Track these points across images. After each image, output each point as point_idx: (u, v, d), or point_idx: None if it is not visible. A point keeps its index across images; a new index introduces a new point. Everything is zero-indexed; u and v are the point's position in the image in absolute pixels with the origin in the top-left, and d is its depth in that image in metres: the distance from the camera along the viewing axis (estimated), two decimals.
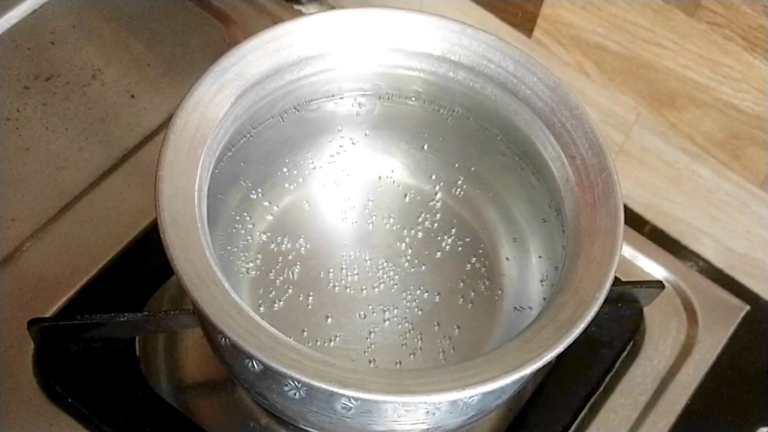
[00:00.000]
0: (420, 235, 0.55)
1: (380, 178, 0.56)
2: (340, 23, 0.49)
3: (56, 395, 0.51)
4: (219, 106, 0.45)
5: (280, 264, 0.53)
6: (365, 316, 0.52)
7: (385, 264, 0.54)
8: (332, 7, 0.66)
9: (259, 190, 0.54)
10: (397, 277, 0.54)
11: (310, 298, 0.52)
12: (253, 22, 0.67)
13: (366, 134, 0.55)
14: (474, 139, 0.53)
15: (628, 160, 0.62)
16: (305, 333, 0.51)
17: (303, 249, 0.54)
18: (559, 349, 0.40)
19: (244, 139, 0.50)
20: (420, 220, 0.55)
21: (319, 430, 0.47)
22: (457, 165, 0.55)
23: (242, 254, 0.53)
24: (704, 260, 0.63)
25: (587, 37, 0.58)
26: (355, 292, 0.53)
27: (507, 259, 0.54)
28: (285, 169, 0.54)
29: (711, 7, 0.51)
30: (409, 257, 0.54)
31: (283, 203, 0.55)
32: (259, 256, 0.53)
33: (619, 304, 0.57)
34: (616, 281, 0.52)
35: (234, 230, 0.53)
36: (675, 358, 0.57)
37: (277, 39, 0.48)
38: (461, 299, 0.53)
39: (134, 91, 0.64)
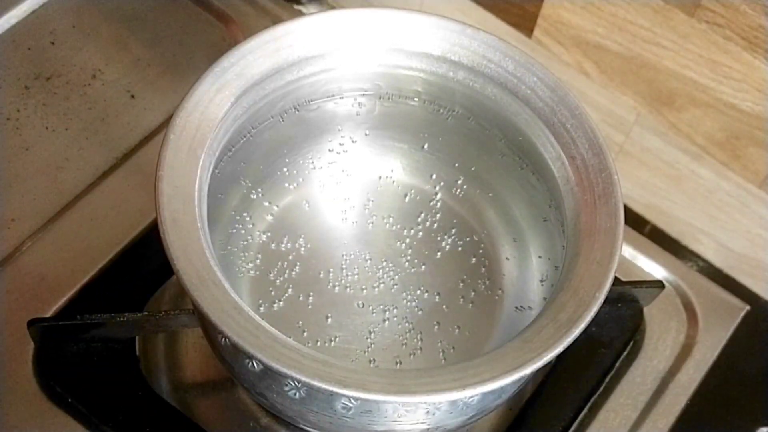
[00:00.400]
0: (420, 235, 0.55)
1: (380, 178, 0.56)
2: (340, 23, 0.49)
3: (56, 395, 0.51)
4: (219, 106, 0.45)
5: (280, 264, 0.53)
6: (365, 316, 0.52)
7: (385, 264, 0.54)
8: (332, 7, 0.66)
9: (259, 190, 0.54)
10: (397, 277, 0.54)
11: (310, 298, 0.52)
12: (253, 22, 0.67)
13: (366, 134, 0.55)
14: (474, 139, 0.53)
15: (628, 160, 0.62)
16: (305, 333, 0.51)
17: (303, 249, 0.54)
18: (559, 349, 0.40)
19: (244, 139, 0.50)
20: (420, 220, 0.55)
21: (319, 430, 0.47)
22: (457, 165, 0.55)
23: (242, 254, 0.53)
24: (704, 260, 0.63)
25: (587, 37, 0.58)
26: (355, 292, 0.53)
27: (507, 259, 0.54)
28: (285, 169, 0.54)
29: (711, 7, 0.51)
30: (409, 257, 0.54)
31: (283, 203, 0.55)
32: (259, 256, 0.53)
33: (619, 304, 0.57)
34: (616, 281, 0.52)
35: (234, 230, 0.53)
36: (675, 358, 0.57)
37: (277, 39, 0.48)
38: (461, 299, 0.53)
39: (134, 91, 0.64)
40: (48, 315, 0.54)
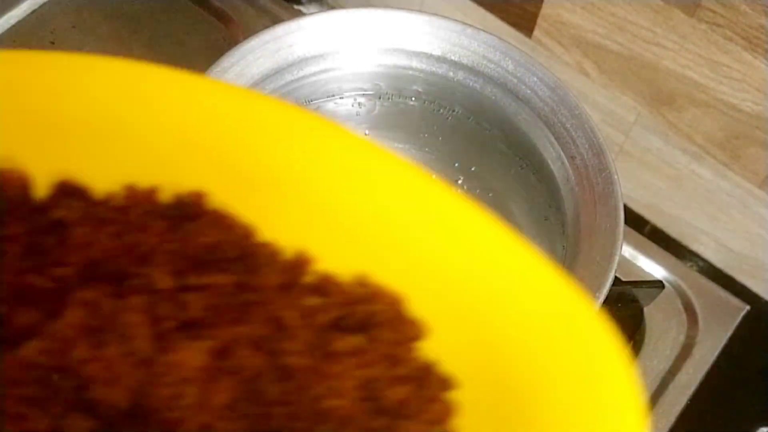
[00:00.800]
0: None
1: None
2: (340, 23, 0.49)
3: None
4: None
5: None
6: None
7: None
8: (332, 7, 0.66)
9: None
10: None
11: None
12: (253, 22, 0.67)
13: (366, 134, 0.55)
14: (474, 139, 0.53)
15: (628, 160, 0.62)
16: None
17: None
18: None
19: None
20: None
21: None
22: (457, 165, 0.55)
23: None
24: (704, 260, 0.63)
25: (587, 37, 0.58)
26: None
27: None
28: None
29: (711, 7, 0.51)
30: None
31: None
32: None
33: (619, 304, 0.57)
34: (616, 281, 0.52)
35: None
36: (675, 358, 0.57)
37: (277, 39, 0.48)
38: None
39: None
40: None
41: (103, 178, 0.28)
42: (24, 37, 0.65)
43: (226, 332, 0.26)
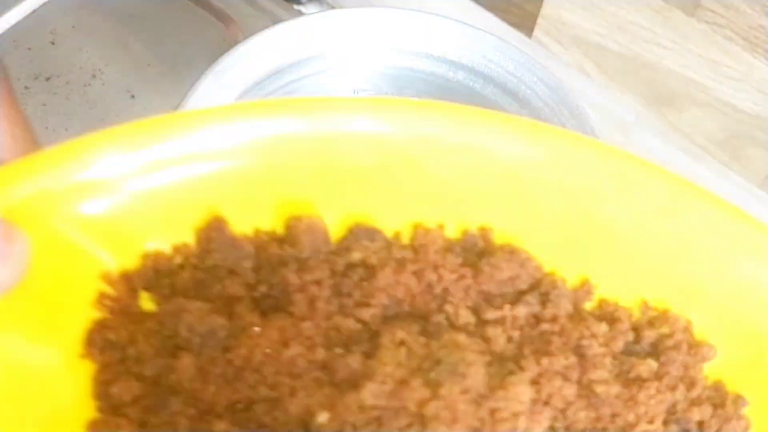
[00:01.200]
0: None
1: None
2: (340, 23, 0.49)
3: None
4: None
5: None
6: None
7: None
8: (332, 7, 0.66)
9: None
10: None
11: None
12: (253, 22, 0.67)
13: None
14: None
15: None
16: None
17: None
18: None
19: None
20: None
21: None
22: None
23: None
24: None
25: (587, 37, 0.58)
26: None
27: None
28: None
29: (711, 7, 0.51)
30: None
31: None
32: None
33: None
34: None
35: None
36: None
37: (277, 39, 0.48)
38: None
39: (134, 91, 0.64)
40: None
41: (390, 216, 0.29)
42: (24, 37, 0.65)
43: (534, 364, 0.28)
